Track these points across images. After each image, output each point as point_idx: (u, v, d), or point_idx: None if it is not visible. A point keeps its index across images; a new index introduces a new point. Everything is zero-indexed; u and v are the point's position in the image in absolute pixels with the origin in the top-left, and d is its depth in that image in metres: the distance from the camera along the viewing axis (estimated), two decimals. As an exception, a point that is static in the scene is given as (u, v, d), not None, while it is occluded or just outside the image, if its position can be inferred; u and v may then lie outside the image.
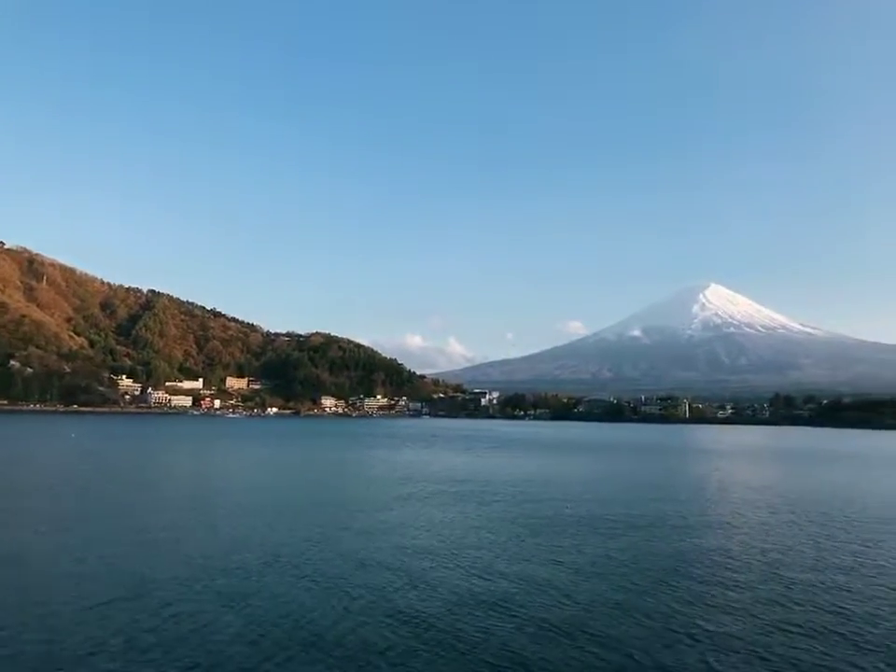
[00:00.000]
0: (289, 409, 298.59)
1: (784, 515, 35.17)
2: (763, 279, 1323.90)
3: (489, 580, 20.89)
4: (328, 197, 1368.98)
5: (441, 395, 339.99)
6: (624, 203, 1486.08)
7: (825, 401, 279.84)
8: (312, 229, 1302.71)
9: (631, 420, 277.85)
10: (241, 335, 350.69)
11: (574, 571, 22.20)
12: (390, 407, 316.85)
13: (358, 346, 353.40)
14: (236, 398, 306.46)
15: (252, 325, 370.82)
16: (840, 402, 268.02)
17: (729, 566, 23.43)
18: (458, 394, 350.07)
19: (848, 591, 20.41)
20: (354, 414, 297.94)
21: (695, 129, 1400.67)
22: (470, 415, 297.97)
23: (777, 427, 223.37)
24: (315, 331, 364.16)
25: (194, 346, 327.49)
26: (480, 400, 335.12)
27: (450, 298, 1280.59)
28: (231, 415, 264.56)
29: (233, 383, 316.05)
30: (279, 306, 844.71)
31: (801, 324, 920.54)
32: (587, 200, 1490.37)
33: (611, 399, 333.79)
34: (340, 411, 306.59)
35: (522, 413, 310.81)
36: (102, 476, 48.67)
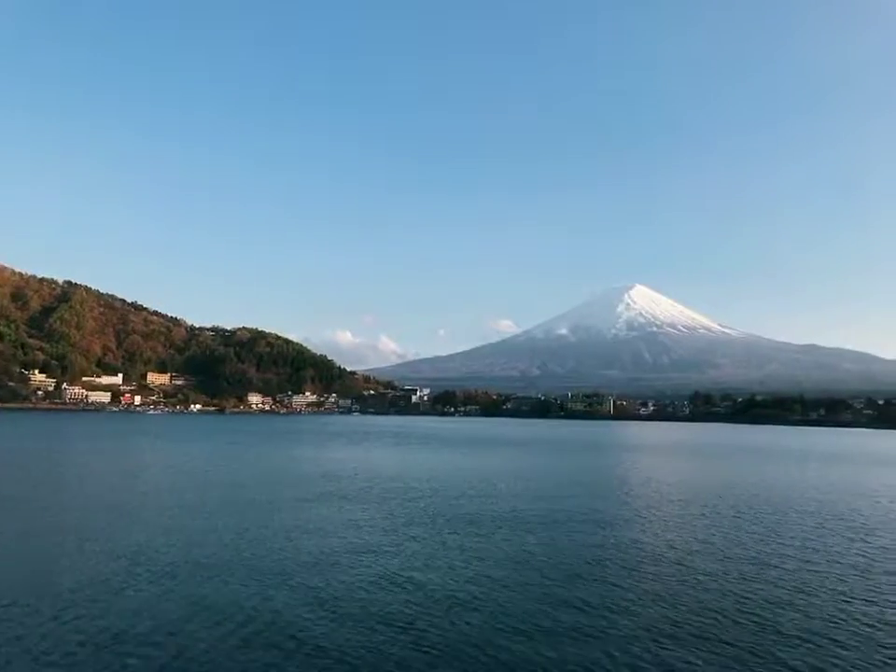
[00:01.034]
0: (214, 406, 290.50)
1: (695, 508, 36.64)
2: (686, 281, 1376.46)
3: (407, 577, 20.91)
4: (257, 187, 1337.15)
5: (372, 392, 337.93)
6: (555, 203, 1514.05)
7: (740, 399, 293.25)
8: (240, 220, 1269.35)
9: (558, 417, 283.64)
10: (163, 329, 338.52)
11: (494, 566, 22.48)
12: (319, 404, 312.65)
13: (287, 342, 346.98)
14: (158, 394, 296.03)
15: (175, 319, 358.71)
16: (754, 400, 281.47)
17: (641, 558, 24.23)
18: (389, 391, 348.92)
19: (752, 579, 21.43)
20: (281, 412, 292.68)
21: (624, 129, 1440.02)
22: (401, 412, 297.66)
23: (697, 424, 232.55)
24: (241, 326, 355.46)
25: (113, 340, 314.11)
26: (411, 397, 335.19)
27: (382, 294, 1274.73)
28: (151, 412, 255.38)
29: (155, 378, 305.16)
30: (204, 300, 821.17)
31: (720, 324, 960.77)
32: (519, 199, 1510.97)
33: (539, 397, 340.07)
34: (267, 408, 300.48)
35: (452, 409, 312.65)
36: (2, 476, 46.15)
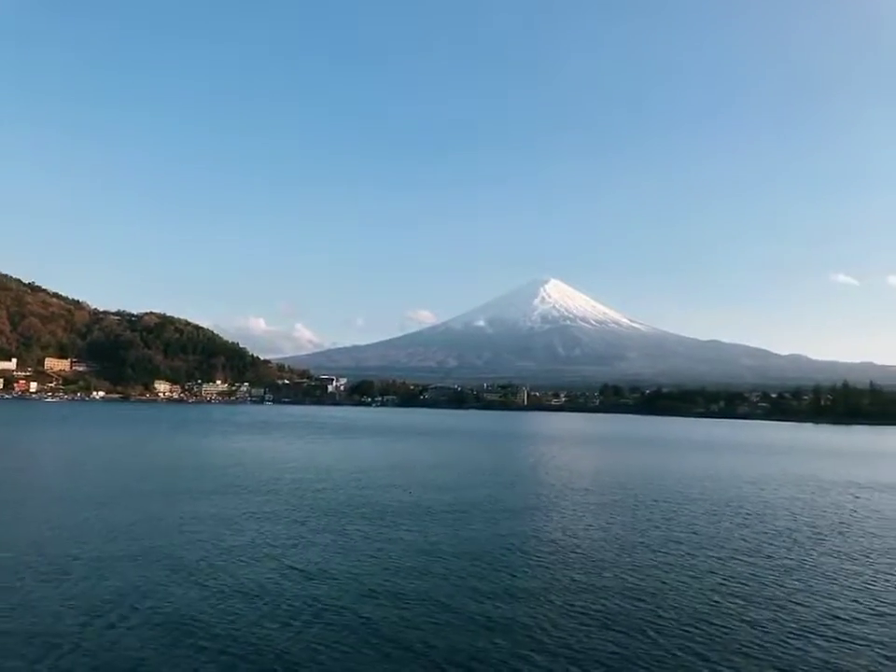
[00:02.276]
0: (118, 394, 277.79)
1: (598, 497, 37.95)
2: (598, 277, 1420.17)
3: (306, 569, 20.64)
4: (169, 163, 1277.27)
5: (286, 381, 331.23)
6: (472, 197, 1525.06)
7: (647, 391, 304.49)
8: (149, 198, 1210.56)
9: (474, 407, 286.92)
10: (64, 312, 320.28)
11: (397, 557, 22.51)
12: (231, 393, 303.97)
13: (197, 328, 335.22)
14: (56, 380, 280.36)
15: (77, 301, 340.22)
16: (660, 392, 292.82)
17: (541, 547, 24.87)
18: (304, 380, 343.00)
19: (645, 565, 22.37)
20: (190, 400, 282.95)
21: (542, 126, 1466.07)
22: (316, 402, 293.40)
23: (606, 415, 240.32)
24: (148, 311, 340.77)
25: (7, 323, 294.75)
26: (326, 387, 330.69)
27: (298, 282, 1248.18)
28: (49, 400, 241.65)
29: (53, 364, 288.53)
30: (109, 282, 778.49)
31: (629, 319, 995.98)
32: (436, 192, 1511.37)
33: (456, 387, 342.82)
34: (175, 396, 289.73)
35: (369, 399, 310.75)
36: None
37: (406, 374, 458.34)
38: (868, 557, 24.34)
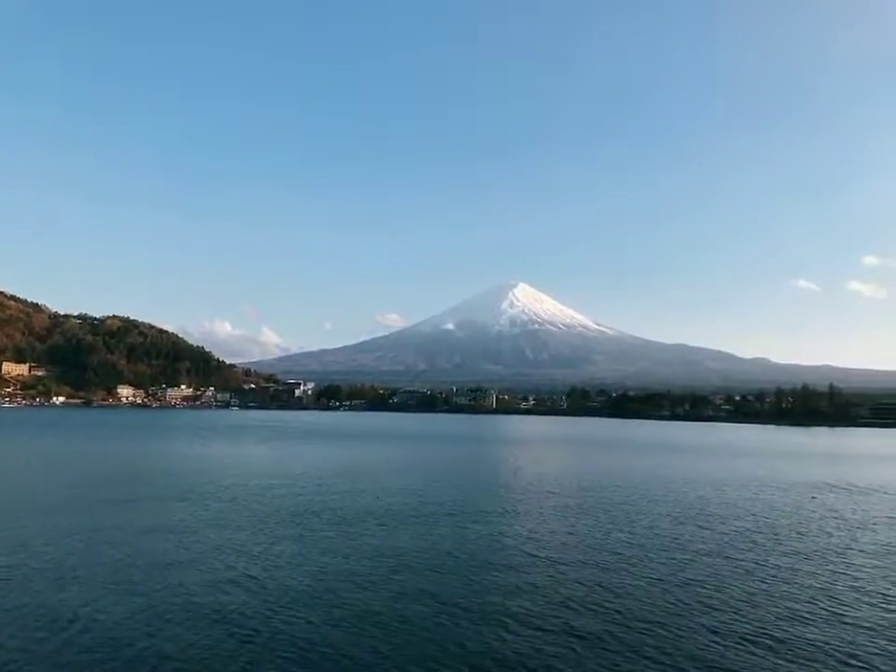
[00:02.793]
0: (80, 398, 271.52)
1: (563, 500, 38.07)
2: (566, 281, 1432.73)
3: (267, 577, 20.30)
4: (129, 163, 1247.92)
5: (253, 385, 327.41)
6: (440, 201, 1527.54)
7: (614, 394, 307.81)
8: (110, 199, 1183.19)
9: (443, 410, 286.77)
10: (22, 315, 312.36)
11: (360, 564, 22.27)
12: (196, 398, 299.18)
13: (162, 332, 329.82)
14: (14, 385, 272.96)
15: (37, 304, 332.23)
16: (626, 395, 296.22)
17: (508, 552, 24.84)
18: (271, 384, 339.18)
19: (607, 568, 22.46)
20: (154, 405, 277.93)
21: (514, 131, 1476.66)
22: (283, 407, 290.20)
23: (574, 418, 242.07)
24: (112, 314, 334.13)
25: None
26: (294, 391, 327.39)
27: (264, 285, 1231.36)
28: (6, 405, 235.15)
29: (11, 369, 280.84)
30: (70, 285, 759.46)
31: (596, 323, 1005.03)
32: (405, 196, 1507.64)
33: (425, 391, 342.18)
34: (139, 401, 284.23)
35: (337, 403, 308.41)
36: None
37: (375, 378, 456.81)
38: (824, 557, 24.78)
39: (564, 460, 71.13)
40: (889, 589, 20.56)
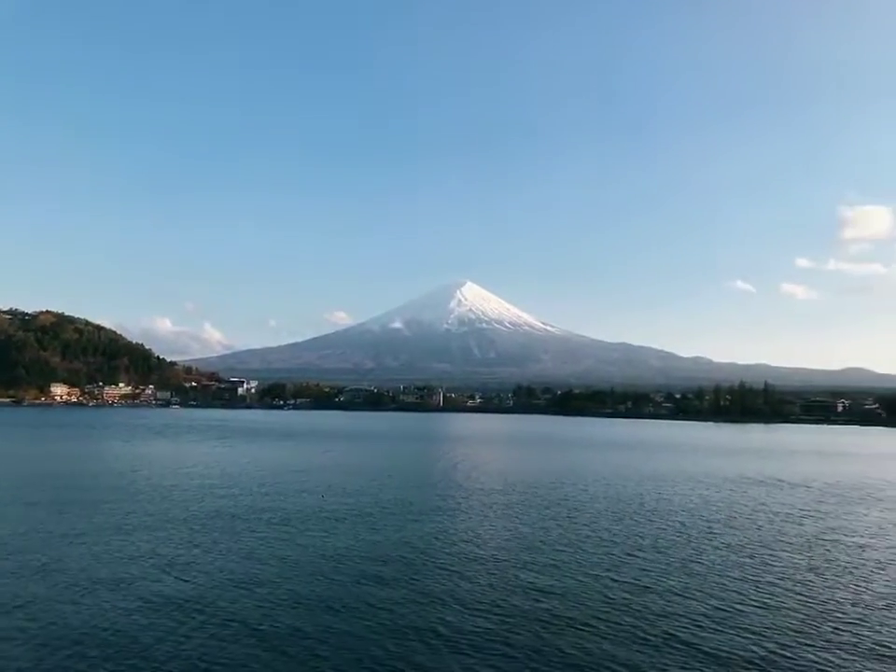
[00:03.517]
0: (9, 397, 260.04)
1: (505, 497, 38.47)
2: (514, 280, 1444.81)
3: (207, 580, 19.92)
4: (64, 148, 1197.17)
5: (194, 383, 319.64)
6: (394, 201, 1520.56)
7: (559, 392, 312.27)
8: (46, 188, 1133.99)
9: (390, 409, 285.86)
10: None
11: (298, 566, 22.06)
12: (135, 396, 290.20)
13: (99, 328, 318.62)
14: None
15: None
16: (571, 393, 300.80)
17: (449, 549, 24.96)
18: (213, 383, 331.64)
19: (548, 564, 22.81)
20: (91, 404, 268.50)
21: (466, 131, 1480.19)
22: (226, 405, 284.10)
23: (519, 415, 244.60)
24: (44, 309, 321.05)
25: None
26: (237, 389, 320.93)
27: (206, 280, 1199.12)
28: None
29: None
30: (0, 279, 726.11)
31: (542, 322, 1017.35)
32: (352, 196, 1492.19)
33: (372, 389, 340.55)
34: (74, 400, 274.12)
35: (282, 402, 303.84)
36: None
37: (321, 376, 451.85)
38: (753, 549, 25.75)
39: (507, 458, 71.87)
40: (811, 578, 21.51)
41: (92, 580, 19.55)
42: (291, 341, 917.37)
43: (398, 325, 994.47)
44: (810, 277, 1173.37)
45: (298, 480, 44.61)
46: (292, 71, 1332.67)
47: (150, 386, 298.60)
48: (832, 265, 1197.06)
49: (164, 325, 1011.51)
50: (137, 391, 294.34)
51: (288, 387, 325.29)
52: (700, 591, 19.81)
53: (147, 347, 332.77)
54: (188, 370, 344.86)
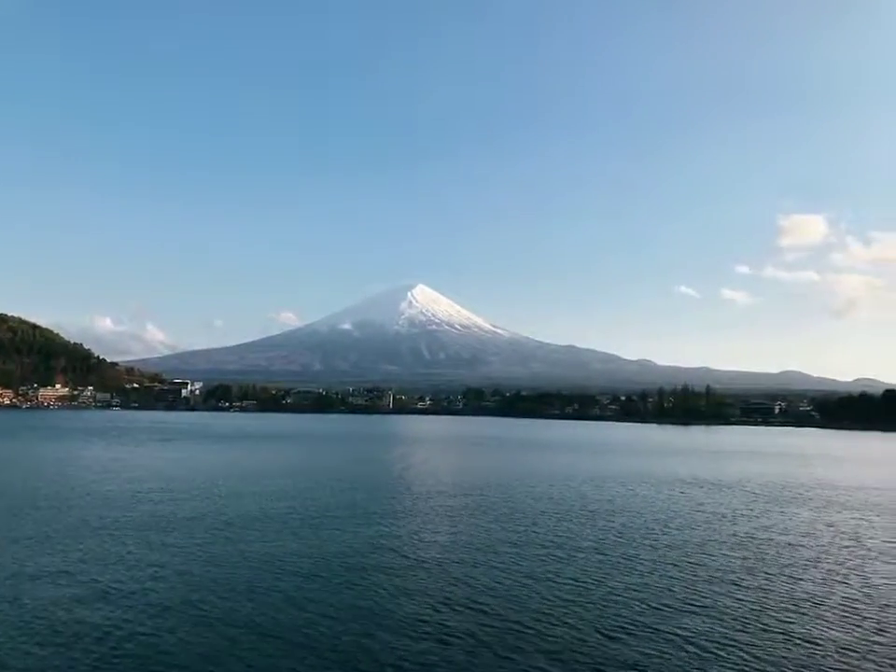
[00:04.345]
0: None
1: (450, 499, 38.56)
2: (464, 283, 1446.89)
3: (127, 588, 19.36)
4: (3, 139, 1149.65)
5: (136, 385, 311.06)
6: (339, 200, 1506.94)
7: (508, 394, 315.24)
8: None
9: (339, 411, 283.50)
10: None
11: (237, 571, 21.66)
12: (73, 398, 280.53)
13: (35, 327, 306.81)
14: None
15: None
16: (519, 395, 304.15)
17: (391, 554, 24.88)
18: (156, 384, 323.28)
19: (487, 566, 22.96)
20: (25, 406, 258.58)
21: (417, 135, 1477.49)
22: (170, 407, 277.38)
23: (468, 417, 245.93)
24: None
25: None
26: (180, 391, 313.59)
27: (149, 279, 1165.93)
28: None
29: None
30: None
31: (492, 325, 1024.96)
32: (301, 195, 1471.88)
33: (320, 391, 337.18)
34: (7, 402, 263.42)
35: (227, 404, 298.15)
36: None
37: (268, 378, 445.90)
38: (690, 549, 26.44)
39: (454, 460, 72.14)
40: (744, 577, 22.22)
41: (13, 590, 18.80)
42: (237, 342, 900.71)
43: (347, 326, 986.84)
44: (749, 283, 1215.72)
45: (240, 483, 43.82)
46: (232, 80, 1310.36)
47: (90, 388, 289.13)
48: (769, 272, 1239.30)
49: (105, 324, 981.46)
50: (75, 393, 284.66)
51: (234, 389, 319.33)
52: (637, 591, 20.23)
53: (86, 347, 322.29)
54: (129, 371, 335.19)
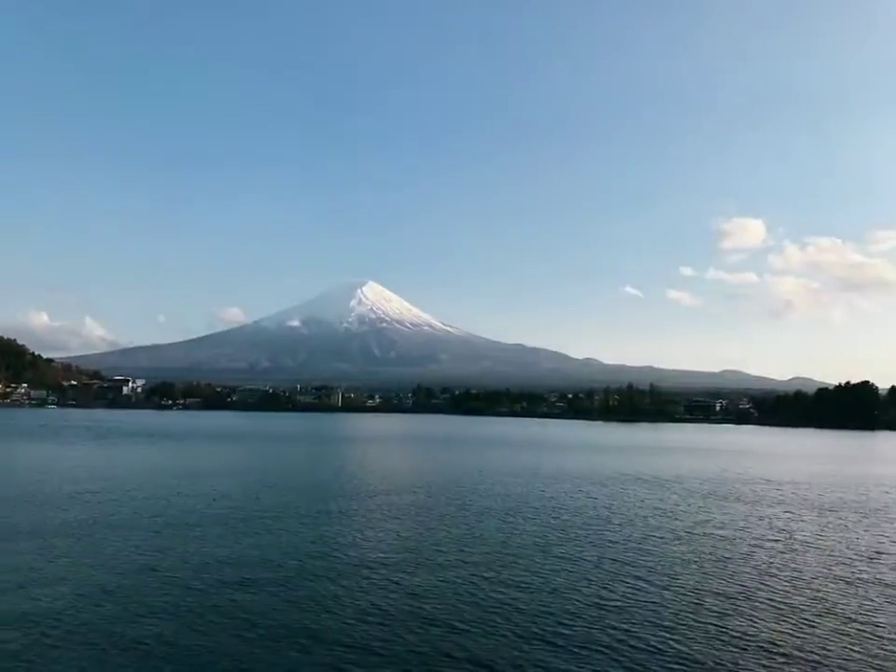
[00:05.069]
0: None
1: (397, 498, 38.34)
2: (415, 281, 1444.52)
3: (68, 590, 18.60)
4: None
5: (74, 382, 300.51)
6: (292, 197, 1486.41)
7: (457, 392, 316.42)
8: None
9: (286, 410, 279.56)
10: None
11: (180, 573, 21.04)
12: (5, 395, 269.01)
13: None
14: None
15: None
16: (469, 393, 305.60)
17: (335, 554, 24.57)
18: (95, 381, 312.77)
19: (432, 565, 22.88)
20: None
21: (369, 134, 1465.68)
22: (110, 405, 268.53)
23: (418, 415, 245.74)
24: None
25: None
26: (121, 388, 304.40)
27: (88, 271, 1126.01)
28: None
29: None
30: None
31: (442, 323, 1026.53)
32: (246, 191, 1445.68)
33: (267, 389, 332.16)
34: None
35: (171, 402, 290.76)
36: None
37: (213, 376, 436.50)
38: (630, 545, 26.92)
39: (401, 458, 71.95)
40: (680, 571, 22.71)
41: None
42: (182, 338, 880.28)
43: (295, 323, 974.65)
44: (693, 284, 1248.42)
45: (182, 484, 42.70)
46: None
47: (24, 385, 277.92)
48: (712, 274, 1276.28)
49: (40, 319, 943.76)
50: (8, 390, 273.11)
51: (178, 387, 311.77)
52: (577, 589, 20.44)
53: (20, 343, 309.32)
54: (67, 367, 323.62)
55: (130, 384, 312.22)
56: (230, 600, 18.52)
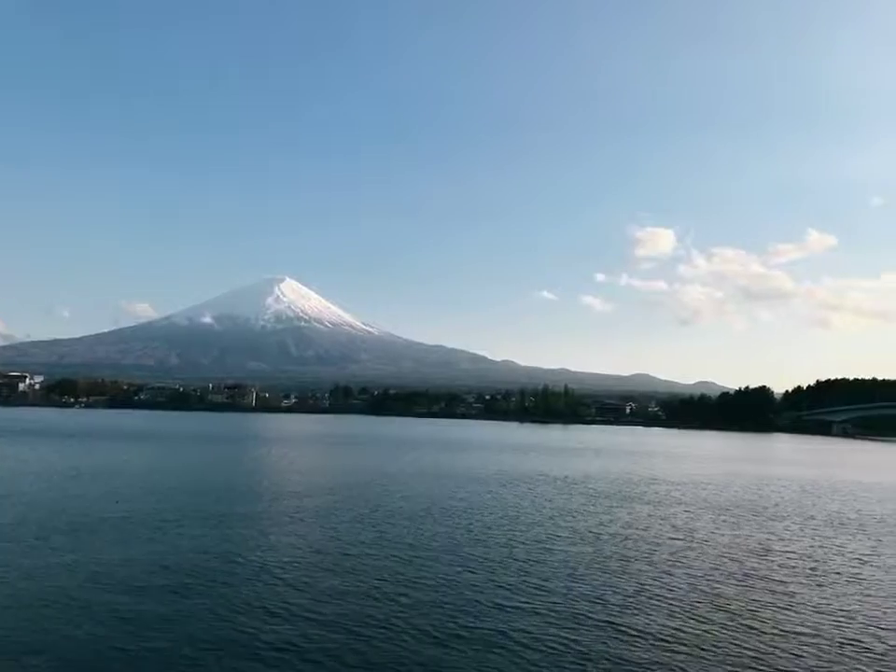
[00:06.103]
0: None
1: (308, 501, 37.57)
2: (335, 280, 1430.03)
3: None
4: None
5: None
6: (202, 185, 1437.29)
7: (376, 392, 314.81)
8: None
9: (197, 409, 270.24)
10: None
11: (72, 581, 19.75)
12: None
13: None
14: None
15: None
16: (388, 393, 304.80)
17: (244, 559, 23.73)
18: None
19: (345, 570, 22.46)
20: None
21: (308, 133, 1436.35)
22: (4, 403, 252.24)
23: (335, 416, 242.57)
24: None
25: None
26: (18, 385, 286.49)
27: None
28: None
29: None
30: None
31: (363, 322, 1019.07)
32: (155, 178, 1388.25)
33: (177, 387, 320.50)
34: None
35: (72, 400, 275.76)
36: None
37: (119, 373, 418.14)
38: (534, 545, 27.31)
39: (313, 460, 70.71)
40: (582, 572, 23.18)
41: None
42: (85, 332, 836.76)
43: (208, 319, 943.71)
44: (606, 290, 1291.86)
45: (83, 485, 40.43)
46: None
47: None
48: (624, 280, 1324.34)
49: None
50: None
51: (80, 384, 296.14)
52: (482, 587, 20.55)
53: None
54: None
55: (27, 380, 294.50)
56: (116, 608, 17.54)
